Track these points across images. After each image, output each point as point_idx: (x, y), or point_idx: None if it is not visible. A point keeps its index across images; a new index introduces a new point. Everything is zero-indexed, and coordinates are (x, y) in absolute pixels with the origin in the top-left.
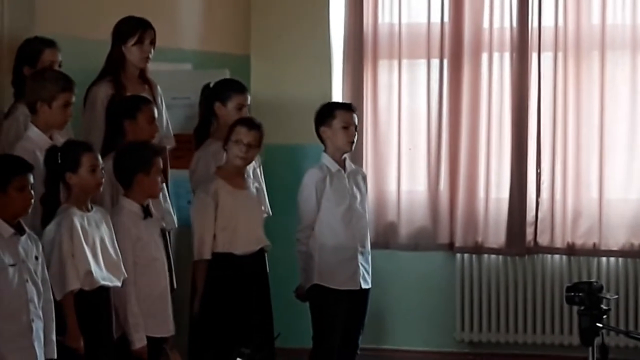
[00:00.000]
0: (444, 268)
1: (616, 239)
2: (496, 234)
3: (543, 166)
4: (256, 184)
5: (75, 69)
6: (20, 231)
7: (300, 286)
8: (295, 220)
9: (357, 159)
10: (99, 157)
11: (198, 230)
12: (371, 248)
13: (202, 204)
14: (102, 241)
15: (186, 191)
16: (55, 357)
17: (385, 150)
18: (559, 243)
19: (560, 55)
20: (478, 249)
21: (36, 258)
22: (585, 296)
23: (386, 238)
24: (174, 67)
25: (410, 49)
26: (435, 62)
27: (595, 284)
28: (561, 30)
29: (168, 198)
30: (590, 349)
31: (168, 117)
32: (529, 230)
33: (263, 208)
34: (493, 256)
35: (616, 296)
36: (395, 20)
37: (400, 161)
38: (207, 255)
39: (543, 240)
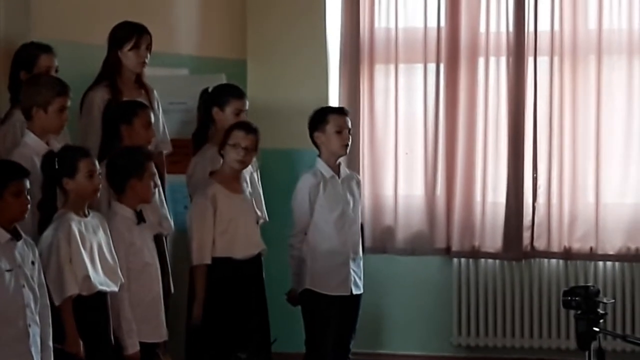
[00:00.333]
0: (441, 272)
1: (613, 243)
2: (493, 238)
3: (539, 170)
4: (249, 189)
5: (72, 74)
6: (16, 236)
7: (292, 290)
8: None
9: (354, 164)
10: (96, 163)
11: (197, 234)
12: (368, 253)
13: (200, 208)
14: (100, 246)
15: (183, 196)
16: None
17: (382, 154)
18: (555, 247)
19: (556, 59)
20: (475, 254)
21: (32, 263)
22: (582, 300)
23: (383, 242)
24: (171, 72)
25: (407, 54)
26: (431, 66)
27: (592, 288)
28: (557, 34)
29: (165, 203)
30: (587, 353)
31: (165, 122)
32: (526, 235)
33: (260, 214)
34: (490, 260)
35: (613, 300)
36: (392, 25)
37: (397, 166)
38: (208, 260)
39: (540, 244)
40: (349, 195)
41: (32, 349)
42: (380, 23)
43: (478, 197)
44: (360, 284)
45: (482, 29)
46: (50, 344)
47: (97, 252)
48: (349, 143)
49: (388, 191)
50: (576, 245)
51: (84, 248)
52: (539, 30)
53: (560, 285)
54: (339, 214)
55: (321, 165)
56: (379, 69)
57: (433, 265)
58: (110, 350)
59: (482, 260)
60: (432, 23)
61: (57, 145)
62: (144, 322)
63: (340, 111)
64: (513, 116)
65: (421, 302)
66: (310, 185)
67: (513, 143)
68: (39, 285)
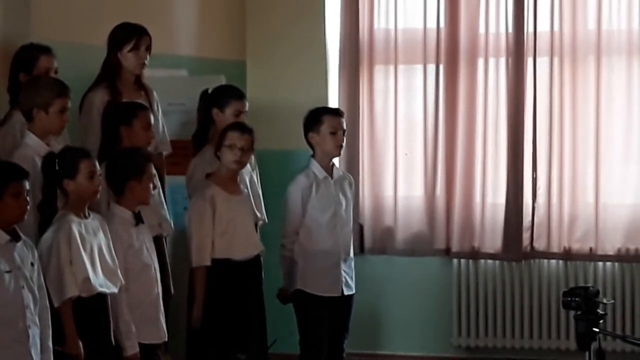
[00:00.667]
0: (441, 273)
1: (612, 244)
2: (492, 239)
3: (539, 171)
4: (246, 190)
5: (71, 75)
6: (15, 238)
7: (283, 289)
8: None
9: (354, 164)
10: (97, 164)
11: (196, 236)
12: (368, 253)
13: (199, 210)
14: (100, 248)
15: (182, 197)
16: None
17: (381, 155)
18: (555, 248)
19: (556, 60)
20: (475, 254)
21: (32, 264)
22: (582, 301)
23: (383, 243)
24: (170, 73)
25: (406, 55)
26: (431, 67)
27: (591, 288)
28: (557, 35)
29: (165, 204)
30: (587, 353)
31: (164, 123)
32: (526, 235)
33: (259, 215)
34: (490, 261)
35: (612, 301)
36: (391, 26)
37: (397, 166)
38: (207, 262)
39: (539, 245)
40: (341, 196)
41: (32, 350)
42: (380, 24)
43: (478, 198)
44: (352, 284)
45: (482, 29)
46: (50, 345)
47: (97, 254)
48: (343, 144)
49: (388, 192)
50: (576, 246)
51: (84, 250)
52: (538, 31)
53: (560, 286)
54: (331, 215)
55: (314, 166)
56: (379, 70)
57: (433, 266)
58: (110, 352)
59: (482, 260)
60: (432, 24)
61: (56, 146)
62: (144, 323)
63: (335, 112)
64: (513, 117)
65: (421, 303)
66: (302, 186)
67: (513, 144)
68: (39, 286)
